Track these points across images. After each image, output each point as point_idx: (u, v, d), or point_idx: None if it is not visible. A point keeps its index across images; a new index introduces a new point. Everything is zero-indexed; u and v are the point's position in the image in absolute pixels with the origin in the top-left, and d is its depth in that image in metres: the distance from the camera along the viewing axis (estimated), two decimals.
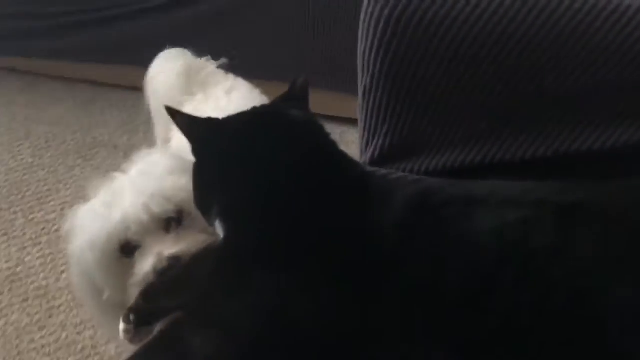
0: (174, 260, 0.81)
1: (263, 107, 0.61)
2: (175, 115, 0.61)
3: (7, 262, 1.43)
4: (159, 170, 0.87)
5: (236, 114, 0.60)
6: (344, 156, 0.58)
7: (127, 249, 0.84)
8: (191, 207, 0.81)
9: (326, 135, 0.58)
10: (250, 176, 0.54)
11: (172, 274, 0.73)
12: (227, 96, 1.16)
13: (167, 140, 1.15)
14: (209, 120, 0.60)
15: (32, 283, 1.38)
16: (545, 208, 0.52)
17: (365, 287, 0.51)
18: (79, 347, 1.24)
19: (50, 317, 1.30)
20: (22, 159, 1.72)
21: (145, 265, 0.82)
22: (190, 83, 1.21)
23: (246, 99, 1.12)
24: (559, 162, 0.66)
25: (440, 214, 0.53)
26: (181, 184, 0.84)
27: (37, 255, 1.44)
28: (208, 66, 1.25)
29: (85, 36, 1.86)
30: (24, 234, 1.50)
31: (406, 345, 0.50)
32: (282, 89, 0.64)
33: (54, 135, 1.77)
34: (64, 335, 1.27)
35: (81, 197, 1.60)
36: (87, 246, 0.85)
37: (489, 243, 0.50)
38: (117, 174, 0.90)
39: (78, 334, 1.27)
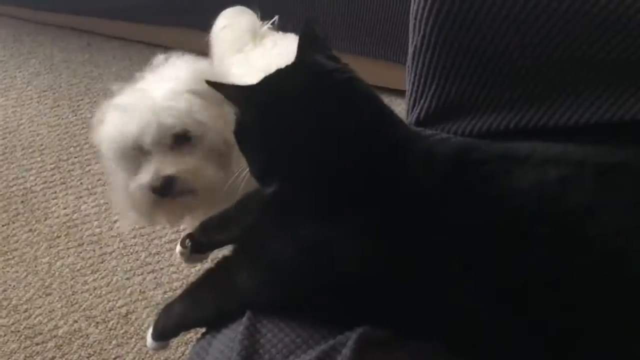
0: (168, 179, 0.90)
1: (301, 63, 0.62)
2: (220, 87, 0.63)
3: (64, 209, 1.51)
4: (179, 86, 0.92)
5: (277, 73, 0.61)
6: (389, 112, 0.60)
7: (141, 150, 0.92)
8: (199, 130, 0.92)
9: (368, 89, 0.60)
10: (298, 133, 0.56)
11: (225, 211, 0.77)
12: (274, 46, 1.25)
13: None
14: (253, 86, 0.61)
15: (86, 230, 1.46)
16: (586, 168, 0.53)
17: (407, 235, 0.53)
18: (128, 291, 1.32)
19: (102, 262, 1.38)
20: (82, 114, 1.80)
21: (145, 176, 0.91)
22: (253, 37, 1.29)
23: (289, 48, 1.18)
24: (602, 130, 0.66)
25: (480, 170, 0.54)
26: (195, 105, 0.91)
27: (92, 204, 1.52)
28: (264, 23, 1.34)
29: None
30: (81, 183, 1.58)
31: (443, 290, 0.52)
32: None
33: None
34: (114, 279, 1.34)
35: None
36: (106, 140, 0.95)
37: (527, 200, 0.52)
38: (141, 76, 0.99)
39: (127, 279, 1.34)
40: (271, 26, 1.34)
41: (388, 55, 1.67)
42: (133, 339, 1.23)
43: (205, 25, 1.79)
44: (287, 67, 0.61)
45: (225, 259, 0.65)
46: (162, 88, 0.93)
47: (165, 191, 0.92)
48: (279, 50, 1.23)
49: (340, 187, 0.55)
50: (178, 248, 0.79)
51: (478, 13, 0.66)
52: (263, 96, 0.59)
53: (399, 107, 1.77)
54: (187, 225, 1.14)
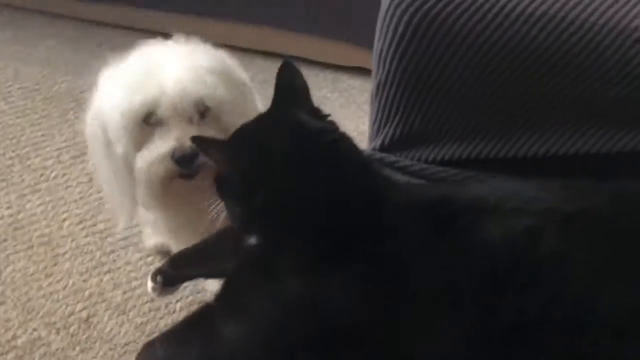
0: (193, 150, 0.83)
1: (282, 118, 0.64)
2: (201, 143, 0.65)
3: (7, 208, 1.46)
4: (199, 62, 0.89)
5: (258, 129, 0.63)
6: (370, 169, 0.62)
7: (150, 119, 0.87)
8: (219, 107, 0.89)
9: (351, 149, 0.62)
10: (283, 194, 0.58)
11: (197, 246, 0.79)
12: None
13: None
14: (235, 143, 0.63)
15: (35, 230, 1.41)
16: (551, 217, 0.58)
17: (391, 286, 0.57)
18: (86, 293, 1.31)
19: (55, 264, 1.35)
20: (13, 101, 1.71)
21: (165, 145, 0.86)
22: None
23: None
24: (559, 162, 0.71)
25: (455, 224, 0.58)
26: (211, 84, 0.87)
27: (38, 202, 1.47)
28: None
29: None
30: (22, 180, 1.52)
31: (425, 337, 0.57)
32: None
33: (44, 77, 1.75)
34: (70, 282, 1.33)
35: (77, 142, 1.63)
36: (116, 108, 0.87)
37: (500, 252, 0.56)
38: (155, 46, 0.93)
39: (84, 281, 1.33)
40: None
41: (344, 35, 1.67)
42: (97, 344, 1.23)
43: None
44: (267, 121, 0.63)
45: (208, 306, 0.67)
46: (181, 60, 0.89)
47: (189, 163, 0.86)
48: None
49: (324, 242, 0.58)
50: (149, 283, 0.80)
51: (440, 54, 0.69)
52: (246, 155, 0.60)
53: (345, 83, 1.81)
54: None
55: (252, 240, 0.63)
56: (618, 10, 0.62)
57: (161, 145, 0.87)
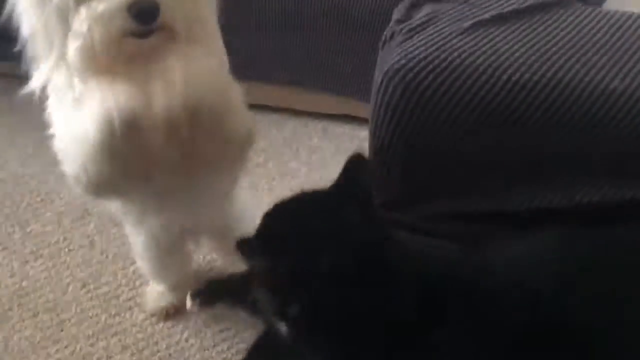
0: (155, 5, 0.72)
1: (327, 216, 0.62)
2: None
3: (11, 276, 1.47)
4: None
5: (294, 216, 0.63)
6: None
7: None
8: None
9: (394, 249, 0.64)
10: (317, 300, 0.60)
11: (232, 276, 0.82)
12: None
13: None
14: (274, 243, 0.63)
15: (39, 297, 1.43)
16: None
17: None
18: (94, 358, 1.32)
19: (62, 330, 1.37)
20: (10, 168, 1.74)
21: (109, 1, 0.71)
22: None
23: None
24: (551, 214, 0.76)
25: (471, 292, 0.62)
26: None
27: (40, 268, 1.49)
28: None
29: None
30: (24, 247, 1.54)
31: None
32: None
33: (40, 142, 1.78)
34: (78, 347, 1.34)
35: (77, 205, 1.65)
36: None
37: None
38: None
39: (91, 345, 1.34)
40: None
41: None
42: None
43: None
44: (311, 219, 0.62)
45: None
46: None
47: (148, 17, 0.73)
48: None
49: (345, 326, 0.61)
50: (188, 302, 0.87)
51: (430, 121, 0.74)
52: (287, 262, 0.61)
53: (333, 131, 1.86)
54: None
55: (283, 329, 0.65)
56: (597, 73, 0.68)
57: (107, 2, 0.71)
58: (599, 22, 0.74)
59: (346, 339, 0.61)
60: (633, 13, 0.75)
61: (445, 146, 0.75)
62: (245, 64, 1.76)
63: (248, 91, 1.93)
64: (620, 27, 0.73)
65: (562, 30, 0.72)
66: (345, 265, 0.59)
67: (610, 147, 0.69)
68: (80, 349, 1.33)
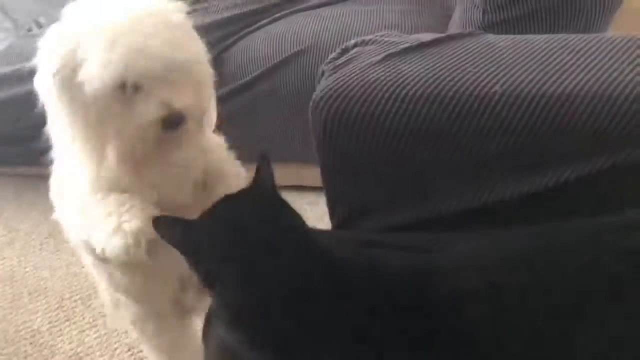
0: (179, 113, 0.84)
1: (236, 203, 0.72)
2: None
3: (69, 344, 1.65)
4: (160, 17, 0.85)
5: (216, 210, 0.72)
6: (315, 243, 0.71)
7: (125, 88, 0.82)
8: (188, 62, 0.86)
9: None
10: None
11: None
12: None
13: None
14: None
15: None
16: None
17: None
18: None
19: None
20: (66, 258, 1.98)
21: (151, 113, 0.82)
22: None
23: None
24: (477, 213, 0.83)
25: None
26: (179, 37, 0.85)
27: (94, 336, 1.66)
28: None
29: None
30: (84, 318, 1.73)
31: None
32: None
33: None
34: None
35: None
36: (89, 76, 0.81)
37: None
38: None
39: None
40: None
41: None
42: None
43: None
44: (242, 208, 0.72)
45: None
46: (143, 20, 0.84)
47: (177, 124, 0.86)
48: None
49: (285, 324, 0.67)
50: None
51: (356, 142, 0.84)
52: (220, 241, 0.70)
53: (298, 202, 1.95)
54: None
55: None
56: (482, 81, 0.78)
57: (149, 113, 0.83)
58: (497, 43, 0.84)
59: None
60: (530, 36, 0.86)
61: (366, 162, 0.85)
62: (280, 147, 1.97)
63: (285, 173, 2.12)
64: (515, 45, 0.83)
65: (462, 52, 0.83)
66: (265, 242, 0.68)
67: (500, 144, 0.77)
68: None
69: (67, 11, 0.86)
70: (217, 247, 0.69)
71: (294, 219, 0.71)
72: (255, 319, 0.67)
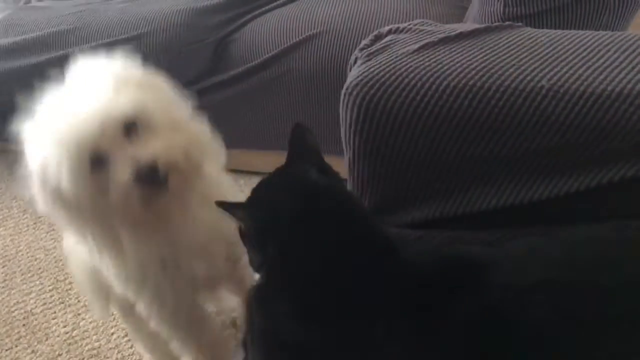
0: (150, 164, 0.82)
1: (290, 177, 0.72)
2: (227, 207, 0.71)
3: (64, 327, 1.61)
4: (107, 82, 0.86)
5: (268, 187, 0.73)
6: (371, 219, 0.72)
7: (97, 163, 0.83)
8: (148, 118, 0.85)
9: (355, 205, 0.73)
10: (290, 247, 0.68)
11: None
12: None
13: None
14: (251, 203, 0.72)
15: (86, 345, 1.55)
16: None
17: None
18: None
19: None
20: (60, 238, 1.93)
21: (123, 174, 0.81)
22: None
23: None
24: (509, 212, 0.80)
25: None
26: (135, 94, 0.85)
27: (90, 319, 1.62)
28: None
29: None
30: (78, 301, 1.68)
31: None
32: None
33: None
34: None
35: None
36: (58, 156, 0.82)
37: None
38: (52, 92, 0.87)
39: None
40: None
41: None
42: None
43: None
44: (280, 179, 0.73)
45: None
46: (92, 86, 0.86)
47: (153, 177, 0.83)
48: None
49: (322, 296, 0.66)
50: None
51: (392, 131, 0.81)
52: (260, 213, 0.71)
53: None
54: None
55: (257, 279, 0.73)
56: (527, 75, 0.75)
57: (121, 175, 0.83)
58: (538, 37, 0.81)
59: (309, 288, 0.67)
60: (571, 31, 0.83)
61: (403, 153, 0.81)
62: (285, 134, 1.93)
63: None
64: (557, 39, 0.80)
65: (503, 44, 0.80)
66: (304, 209, 0.68)
67: (542, 141, 0.74)
68: None
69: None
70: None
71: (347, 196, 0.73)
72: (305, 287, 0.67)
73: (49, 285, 1.75)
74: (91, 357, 1.51)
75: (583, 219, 0.73)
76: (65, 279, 1.77)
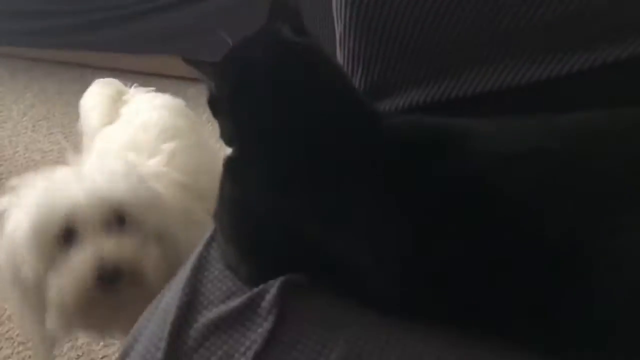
0: (116, 266, 0.78)
1: (266, 34, 0.65)
2: (195, 64, 0.65)
3: None
4: (108, 168, 0.86)
5: (244, 44, 0.66)
6: (353, 89, 0.66)
7: (64, 238, 0.80)
8: (135, 214, 0.83)
9: (330, 65, 0.66)
10: (264, 107, 0.62)
11: None
12: (135, 117, 1.18)
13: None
14: (223, 61, 0.66)
15: None
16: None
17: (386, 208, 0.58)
18: None
19: None
20: (74, 139, 1.89)
21: (84, 259, 0.77)
22: (116, 106, 1.29)
23: (150, 113, 1.19)
24: (505, 95, 0.73)
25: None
26: (128, 188, 0.83)
27: None
28: (132, 92, 1.34)
29: None
30: None
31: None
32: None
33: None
34: None
35: None
36: (26, 224, 0.80)
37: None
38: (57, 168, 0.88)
39: None
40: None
41: None
42: None
43: (191, 51, 1.91)
44: (253, 37, 0.66)
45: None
46: (92, 168, 0.86)
47: (114, 278, 0.79)
48: (141, 121, 1.16)
49: (301, 162, 0.61)
50: None
51: (392, 1, 0.74)
52: (232, 71, 0.64)
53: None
54: (119, 339, 1.02)
55: (229, 152, 0.68)
56: None
57: (76, 262, 0.78)
58: None
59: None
60: None
61: (400, 28, 0.74)
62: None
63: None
64: None
65: None
66: (279, 68, 0.62)
67: (546, 12, 0.67)
68: None
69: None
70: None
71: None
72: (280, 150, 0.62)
73: None
74: None
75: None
76: None
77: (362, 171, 0.60)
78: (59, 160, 1.80)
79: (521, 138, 0.59)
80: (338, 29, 0.81)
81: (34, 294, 0.82)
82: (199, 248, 0.72)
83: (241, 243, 0.66)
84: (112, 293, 0.80)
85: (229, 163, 0.68)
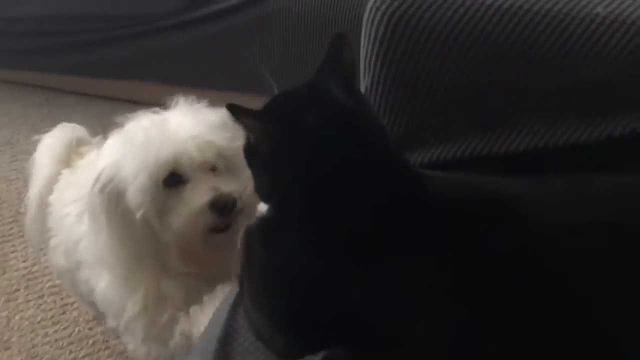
0: (230, 197, 0.86)
1: (315, 92, 0.61)
2: (238, 112, 0.59)
3: (24, 262, 1.50)
4: (206, 117, 0.92)
5: (289, 99, 0.62)
6: (399, 156, 0.63)
7: (171, 181, 0.88)
8: (233, 157, 0.90)
9: (378, 131, 0.63)
10: (302, 162, 0.59)
11: None
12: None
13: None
14: (267, 115, 0.62)
15: (47, 282, 1.44)
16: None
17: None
18: (90, 341, 1.30)
19: (63, 313, 1.37)
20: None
21: (201, 197, 0.86)
22: (71, 153, 1.23)
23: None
24: (539, 155, 0.73)
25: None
26: (227, 136, 0.90)
27: None
28: (92, 141, 1.27)
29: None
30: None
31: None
32: None
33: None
34: (76, 330, 1.33)
35: None
36: (134, 172, 0.86)
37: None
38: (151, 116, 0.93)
39: (90, 329, 1.33)
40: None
41: None
42: None
43: (167, 78, 1.85)
44: (301, 94, 0.62)
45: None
46: (190, 116, 0.93)
47: (229, 210, 0.88)
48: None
49: (344, 228, 0.58)
50: None
51: (422, 53, 0.73)
52: (276, 130, 0.60)
53: None
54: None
55: (264, 210, 0.64)
56: (580, 1, 0.67)
57: (198, 198, 0.87)
58: None
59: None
60: None
61: (432, 80, 0.73)
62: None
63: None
64: None
65: None
66: (327, 130, 0.58)
67: (587, 76, 0.67)
68: (78, 332, 1.33)
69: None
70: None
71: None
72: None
73: (9, 218, 1.63)
74: (51, 295, 1.41)
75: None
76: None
77: (412, 239, 0.57)
78: (24, 190, 1.70)
79: (575, 205, 0.58)
80: (365, 79, 0.79)
81: (142, 237, 0.89)
82: (222, 315, 0.66)
83: (275, 314, 0.61)
84: (223, 230, 0.90)
85: (262, 225, 0.64)
